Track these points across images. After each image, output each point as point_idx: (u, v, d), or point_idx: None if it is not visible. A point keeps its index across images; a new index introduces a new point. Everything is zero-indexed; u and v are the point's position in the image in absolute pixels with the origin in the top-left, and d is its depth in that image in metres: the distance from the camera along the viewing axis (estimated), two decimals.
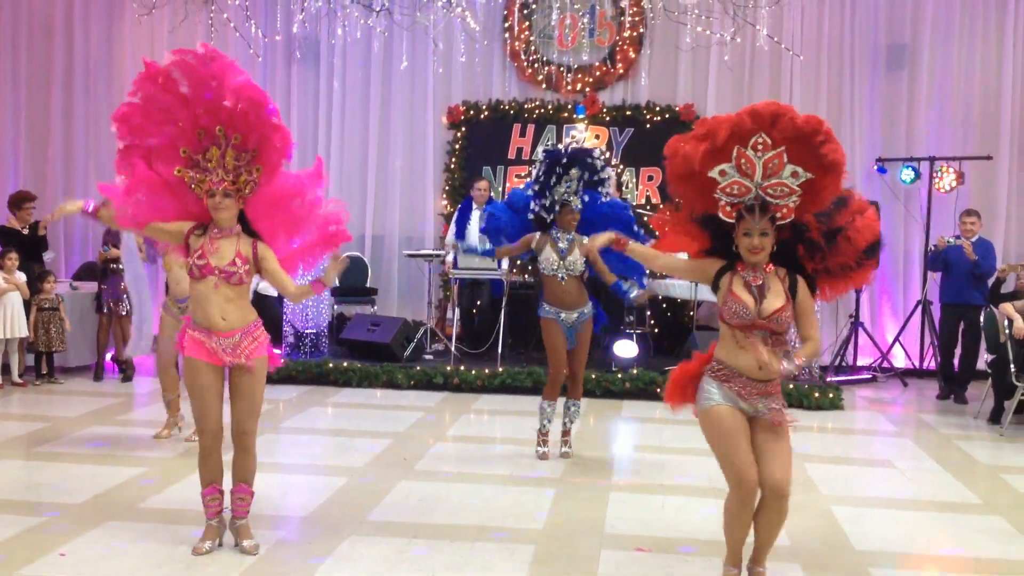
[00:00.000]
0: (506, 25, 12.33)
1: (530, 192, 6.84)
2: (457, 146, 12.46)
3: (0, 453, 6.85)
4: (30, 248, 9.91)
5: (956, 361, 10.12)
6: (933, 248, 10.41)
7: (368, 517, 5.55)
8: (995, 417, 8.79)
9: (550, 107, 12.29)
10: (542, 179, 6.68)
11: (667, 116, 11.97)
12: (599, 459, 6.97)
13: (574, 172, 6.64)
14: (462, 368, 9.93)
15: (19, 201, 10.06)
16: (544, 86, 12.35)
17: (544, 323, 6.89)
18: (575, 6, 11.67)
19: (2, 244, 9.73)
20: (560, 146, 6.85)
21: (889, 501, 6.27)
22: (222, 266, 4.68)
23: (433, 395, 9.60)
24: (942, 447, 8.01)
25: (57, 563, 4.67)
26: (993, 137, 11.64)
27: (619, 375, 9.62)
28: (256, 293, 10.21)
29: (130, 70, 11.90)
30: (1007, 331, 8.45)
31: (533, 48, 12.34)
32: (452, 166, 12.46)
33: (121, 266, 8.83)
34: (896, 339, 11.46)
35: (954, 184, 11.28)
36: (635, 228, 6.72)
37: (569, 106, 12.20)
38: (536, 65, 12.31)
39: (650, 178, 12.01)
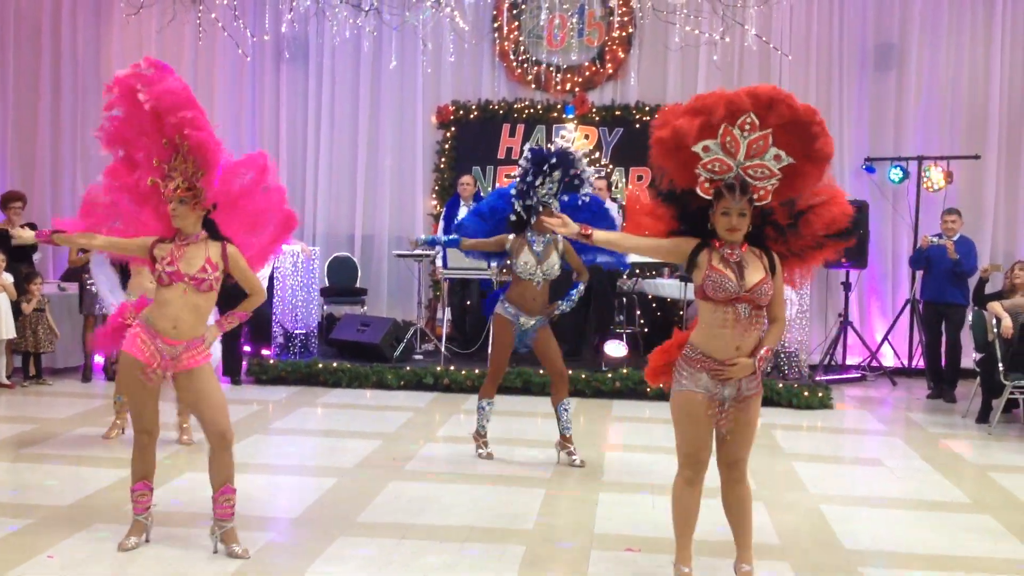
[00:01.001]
0: (495, 25, 12.33)
1: (513, 192, 6.74)
2: (446, 146, 12.46)
3: None
4: (17, 249, 9.85)
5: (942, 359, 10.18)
6: (918, 247, 10.47)
7: (357, 518, 5.53)
8: (983, 416, 8.81)
9: (539, 107, 12.29)
10: (529, 179, 6.62)
11: (656, 116, 11.94)
12: (589, 459, 6.96)
13: (557, 174, 6.56)
14: (452, 368, 9.91)
15: (6, 201, 10.01)
16: (533, 86, 12.35)
17: (497, 319, 6.79)
18: (564, 6, 11.66)
19: None
20: (545, 146, 6.80)
21: (878, 500, 6.28)
22: (192, 273, 4.68)
23: (423, 395, 9.58)
24: (931, 446, 8.03)
25: (45, 565, 4.64)
26: (981, 136, 11.68)
27: (609, 375, 9.62)
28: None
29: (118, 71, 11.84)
30: (995, 330, 8.47)
31: (522, 48, 12.34)
32: (442, 166, 12.46)
33: (90, 278, 8.80)
34: (885, 338, 11.50)
35: (943, 184, 11.33)
36: (618, 223, 6.68)
37: (558, 106, 12.21)
38: (525, 65, 12.30)
39: (640, 178, 12.02)
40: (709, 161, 4.11)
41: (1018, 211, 11.80)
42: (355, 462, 6.86)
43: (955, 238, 9.96)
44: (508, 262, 6.79)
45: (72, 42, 12.82)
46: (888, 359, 11.59)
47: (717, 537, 4.97)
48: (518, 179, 6.65)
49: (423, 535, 5.24)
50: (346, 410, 8.91)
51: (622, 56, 12.23)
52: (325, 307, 11.68)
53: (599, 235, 4.54)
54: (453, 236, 7.13)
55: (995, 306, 8.66)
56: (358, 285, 12.23)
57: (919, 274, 10.57)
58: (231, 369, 9.84)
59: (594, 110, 12.20)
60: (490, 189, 12.11)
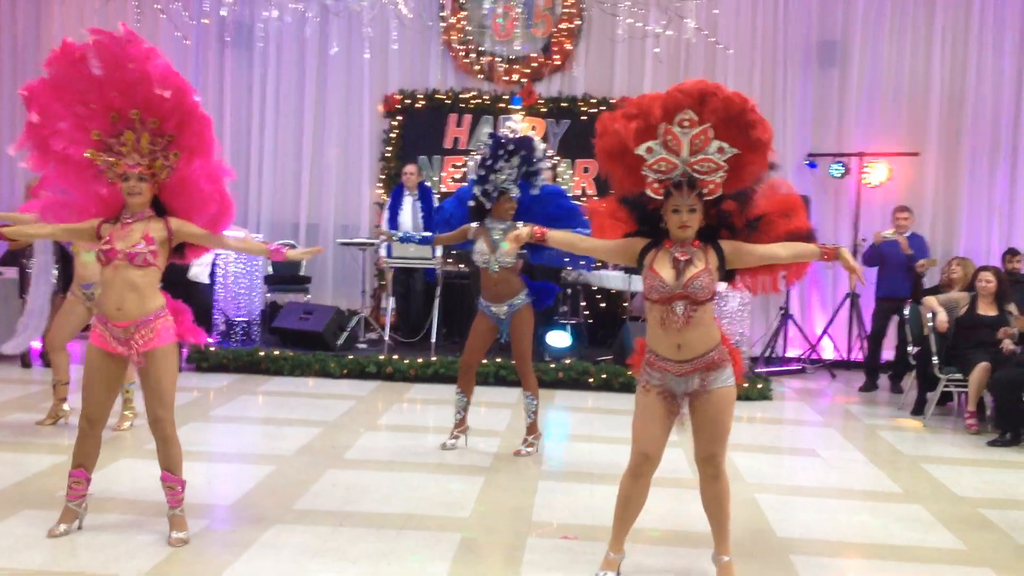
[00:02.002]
0: (442, 14, 12.28)
1: (474, 176, 6.75)
2: (393, 135, 12.40)
3: None
4: None
5: (887, 353, 10.32)
6: (865, 242, 10.60)
7: (294, 506, 5.50)
8: (919, 409, 8.97)
9: (486, 97, 12.28)
10: (488, 163, 6.62)
11: (603, 108, 11.98)
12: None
13: (515, 160, 6.56)
14: (395, 357, 9.88)
15: None
16: (481, 76, 12.34)
17: (478, 314, 6.90)
18: None
19: None
20: (506, 132, 6.80)
21: (813, 490, 6.37)
22: (126, 249, 4.60)
23: (366, 384, 9.55)
24: (867, 437, 8.16)
25: None
26: (921, 134, 11.89)
27: (552, 365, 9.64)
28: (187, 280, 10.07)
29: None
30: (930, 324, 8.62)
31: (469, 38, 12.31)
32: (388, 155, 12.40)
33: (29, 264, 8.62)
34: (825, 331, 11.66)
35: (884, 179, 11.53)
36: (577, 211, 6.67)
37: (505, 97, 12.20)
38: (473, 55, 12.28)
39: (586, 170, 12.07)
40: (655, 161, 4.13)
41: (956, 207, 12.02)
42: (294, 450, 6.82)
43: (907, 234, 10.15)
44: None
45: (11, 22, 12.65)
46: (828, 352, 11.76)
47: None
48: (478, 164, 6.63)
49: (360, 523, 5.22)
50: (288, 398, 8.85)
51: (569, 48, 12.25)
52: (268, 295, 11.58)
53: (554, 236, 4.56)
54: (427, 234, 7.23)
55: (930, 300, 8.81)
56: (302, 273, 12.14)
57: (874, 270, 10.70)
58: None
59: (541, 101, 12.21)
60: (436, 179, 12.09)
